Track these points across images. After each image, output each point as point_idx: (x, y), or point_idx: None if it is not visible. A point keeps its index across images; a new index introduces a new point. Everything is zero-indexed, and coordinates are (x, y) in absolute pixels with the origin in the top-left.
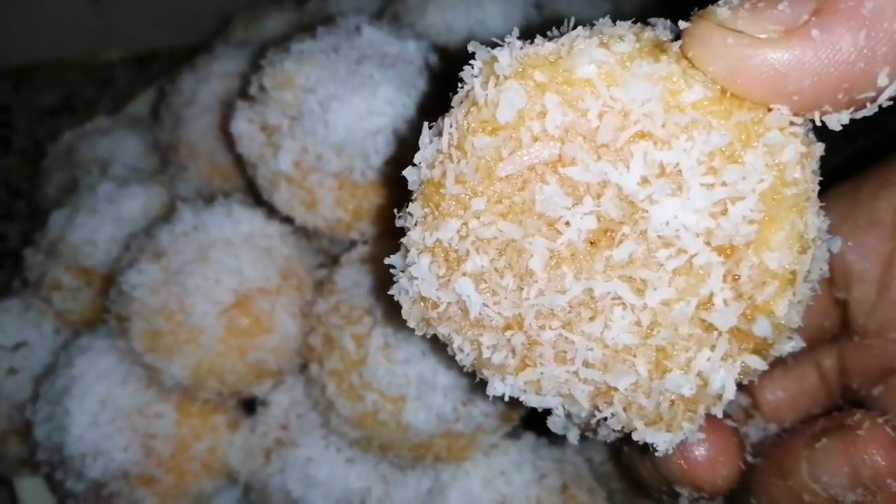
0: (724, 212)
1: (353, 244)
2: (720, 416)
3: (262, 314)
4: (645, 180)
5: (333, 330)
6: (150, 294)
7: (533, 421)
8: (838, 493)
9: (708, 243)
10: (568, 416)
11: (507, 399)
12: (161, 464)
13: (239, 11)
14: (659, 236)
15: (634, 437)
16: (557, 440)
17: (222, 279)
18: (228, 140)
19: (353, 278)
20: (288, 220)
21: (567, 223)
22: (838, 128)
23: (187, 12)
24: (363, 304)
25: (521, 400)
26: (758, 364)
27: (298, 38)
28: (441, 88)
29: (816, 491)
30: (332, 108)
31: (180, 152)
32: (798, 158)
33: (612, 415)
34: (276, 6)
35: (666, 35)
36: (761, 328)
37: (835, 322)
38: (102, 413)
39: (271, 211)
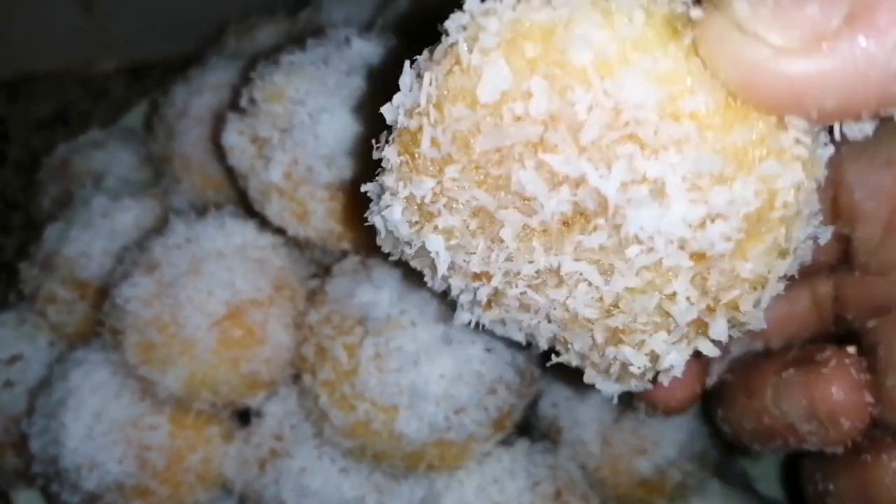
0: (703, 226)
1: (344, 254)
2: (666, 384)
3: (255, 326)
4: (625, 185)
5: (325, 340)
6: (143, 307)
7: (526, 429)
8: (794, 421)
9: (682, 248)
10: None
11: (472, 326)
12: (156, 475)
13: (232, 23)
14: (633, 235)
15: (585, 378)
16: (550, 447)
17: (214, 291)
18: (220, 152)
19: (344, 289)
20: (280, 231)
21: (542, 205)
22: (860, 138)
23: (181, 22)
24: (354, 315)
25: (485, 326)
26: (711, 350)
27: (288, 50)
28: None
29: (776, 416)
30: (322, 120)
31: (173, 164)
32: (795, 185)
33: (567, 359)
34: (268, 17)
35: (683, 9)
36: (718, 330)
37: (834, 254)
38: (97, 426)
39: (263, 222)
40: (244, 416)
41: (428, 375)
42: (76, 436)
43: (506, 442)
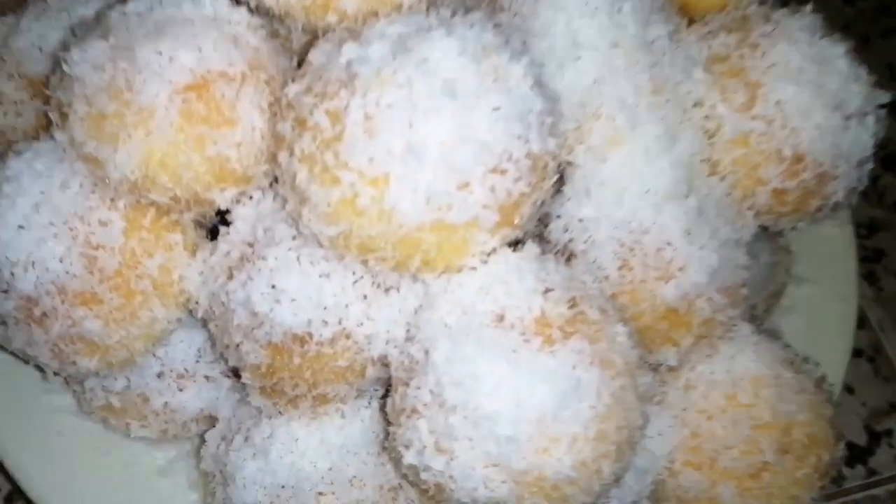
0: None
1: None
2: None
3: (224, 102)
4: None
5: (305, 111)
6: (94, 71)
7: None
8: None
9: None
10: None
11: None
12: (105, 279)
13: None
14: None
15: None
16: (564, 263)
17: (178, 56)
18: None
19: (328, 53)
20: (259, 11)
21: None
22: None
23: None
24: (340, 77)
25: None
26: None
27: None
28: None
29: None
30: None
31: None
32: None
33: None
34: None
35: None
36: None
37: None
38: (36, 216)
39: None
40: (212, 235)
41: (425, 137)
42: (10, 226)
43: (514, 246)
